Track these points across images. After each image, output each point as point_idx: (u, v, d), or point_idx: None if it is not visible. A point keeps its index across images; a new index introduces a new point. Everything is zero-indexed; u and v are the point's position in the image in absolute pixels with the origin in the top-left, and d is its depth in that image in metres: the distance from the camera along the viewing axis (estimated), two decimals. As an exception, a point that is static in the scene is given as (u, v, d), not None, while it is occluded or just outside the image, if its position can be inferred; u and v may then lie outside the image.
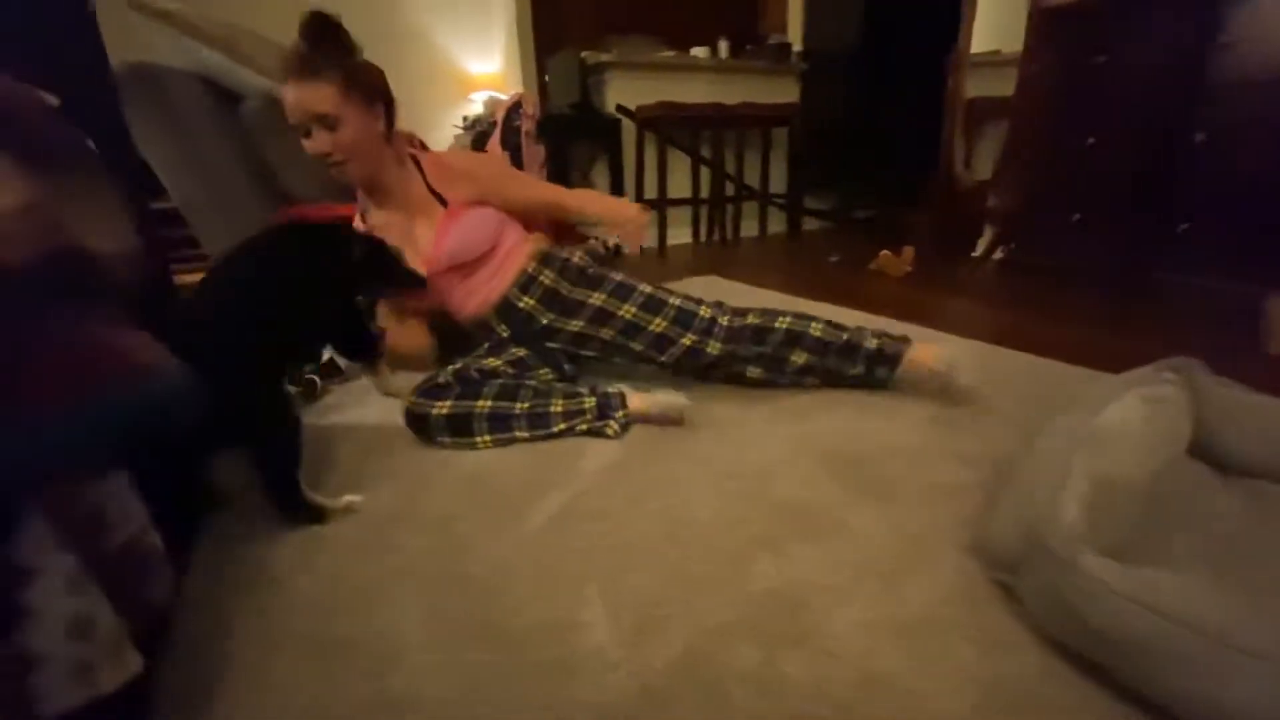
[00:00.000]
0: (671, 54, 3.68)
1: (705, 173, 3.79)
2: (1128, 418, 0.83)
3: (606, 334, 1.34)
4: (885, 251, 2.74)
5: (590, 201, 1.55)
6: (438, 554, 0.89)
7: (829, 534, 0.90)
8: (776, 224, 4.18)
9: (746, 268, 3.01)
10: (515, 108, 3.26)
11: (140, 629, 0.53)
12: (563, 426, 1.21)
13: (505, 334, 1.39)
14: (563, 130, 3.45)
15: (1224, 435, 0.93)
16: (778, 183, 4.06)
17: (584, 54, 3.53)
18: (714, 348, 1.31)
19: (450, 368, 1.26)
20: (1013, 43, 2.75)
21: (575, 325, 1.35)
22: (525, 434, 1.20)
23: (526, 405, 1.21)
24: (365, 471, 1.14)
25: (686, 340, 1.31)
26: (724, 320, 1.32)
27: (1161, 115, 2.21)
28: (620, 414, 1.22)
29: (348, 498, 1.01)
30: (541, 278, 1.38)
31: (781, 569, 0.83)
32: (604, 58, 3.51)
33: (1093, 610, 0.62)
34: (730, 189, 3.90)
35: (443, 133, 3.99)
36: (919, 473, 1.06)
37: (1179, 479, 0.85)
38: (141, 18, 1.60)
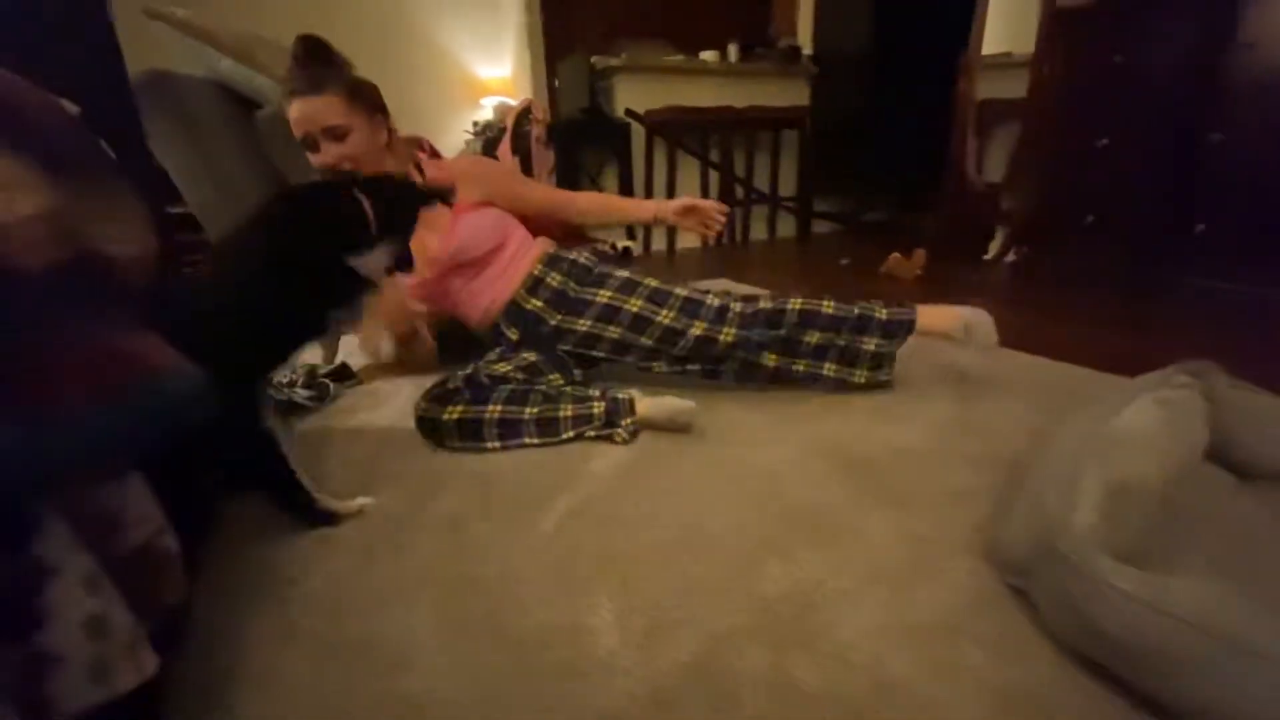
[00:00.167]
0: (680, 58, 3.69)
1: (715, 176, 3.79)
2: (1143, 421, 0.83)
3: (614, 332, 1.34)
4: (896, 254, 2.72)
5: (640, 209, 1.57)
6: (448, 556, 0.90)
7: (839, 538, 0.90)
8: (786, 227, 4.17)
9: (756, 271, 3.01)
10: (525, 113, 3.28)
11: (155, 629, 0.53)
12: (571, 434, 1.22)
13: (515, 337, 1.39)
14: (572, 135, 3.47)
15: (1241, 439, 0.92)
16: (787, 186, 4.05)
17: (593, 59, 3.55)
18: (728, 334, 1.30)
19: (461, 372, 1.27)
20: (1024, 45, 2.73)
21: (584, 324, 1.36)
22: (535, 440, 1.21)
23: (536, 410, 1.21)
24: (377, 472, 1.14)
25: (697, 329, 1.30)
26: (736, 307, 1.32)
27: (1177, 116, 2.19)
28: (628, 420, 1.22)
29: (360, 500, 1.02)
30: (549, 279, 1.38)
31: (792, 573, 0.83)
32: (613, 62, 3.52)
33: (1107, 616, 0.61)
34: (740, 192, 3.90)
35: (453, 138, 4.02)
36: (930, 476, 1.05)
37: (1195, 483, 0.84)
38: (159, 26, 1.63)
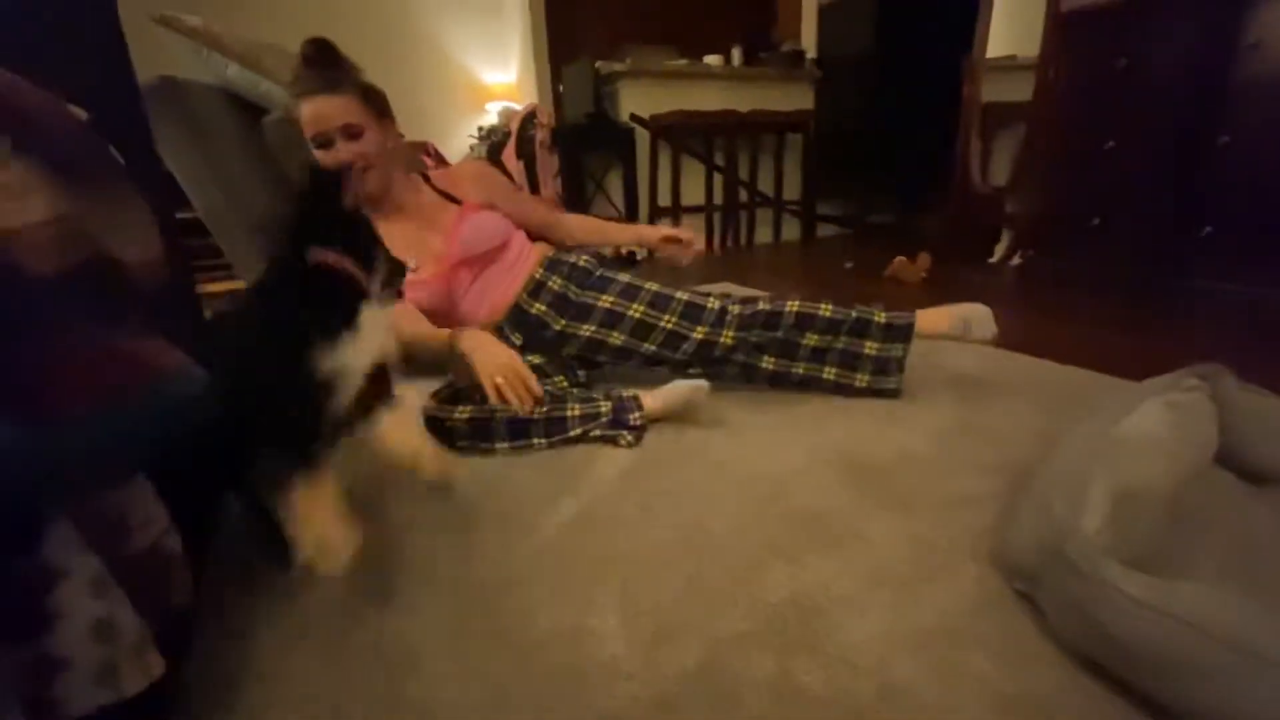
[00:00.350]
0: (684, 62, 3.70)
1: (719, 180, 3.79)
2: (1152, 425, 0.82)
3: (617, 339, 1.35)
4: (900, 258, 2.72)
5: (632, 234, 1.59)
6: (453, 559, 0.90)
7: (846, 543, 0.90)
8: (791, 231, 4.17)
9: (761, 275, 3.01)
10: (530, 118, 3.30)
11: (162, 632, 0.54)
12: (579, 431, 1.22)
13: (519, 342, 1.40)
14: (577, 140, 3.48)
15: (1251, 443, 0.91)
16: (792, 189, 4.06)
17: (598, 64, 3.56)
18: (728, 337, 1.31)
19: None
20: (1029, 48, 2.73)
21: (587, 330, 1.36)
22: (543, 440, 1.21)
23: (543, 410, 1.21)
24: (383, 476, 1.15)
25: (698, 333, 1.31)
26: (735, 309, 1.33)
27: (1184, 118, 2.18)
28: (636, 416, 1.22)
29: (344, 552, 0.76)
30: (550, 282, 1.39)
31: (796, 577, 0.83)
32: (618, 67, 3.54)
33: (1115, 621, 0.61)
34: (744, 196, 3.91)
35: (458, 143, 4.04)
36: (937, 481, 1.05)
37: (1205, 488, 0.83)
38: (168, 34, 1.65)
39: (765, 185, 3.97)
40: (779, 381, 1.39)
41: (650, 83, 3.62)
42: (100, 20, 1.13)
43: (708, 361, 1.37)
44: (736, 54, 3.86)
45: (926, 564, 0.84)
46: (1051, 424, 1.19)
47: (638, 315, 1.34)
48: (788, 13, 4.27)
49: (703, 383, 1.23)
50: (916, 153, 3.75)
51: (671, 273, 2.96)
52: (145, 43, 1.37)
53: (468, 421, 1.19)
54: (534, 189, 3.29)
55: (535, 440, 1.21)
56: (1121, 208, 2.39)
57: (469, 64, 4.08)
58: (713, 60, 3.80)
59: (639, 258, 1.43)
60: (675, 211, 3.58)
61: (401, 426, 0.85)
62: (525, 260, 1.42)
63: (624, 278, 1.40)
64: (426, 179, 1.40)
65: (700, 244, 1.57)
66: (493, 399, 1.15)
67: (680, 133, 3.49)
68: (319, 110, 1.18)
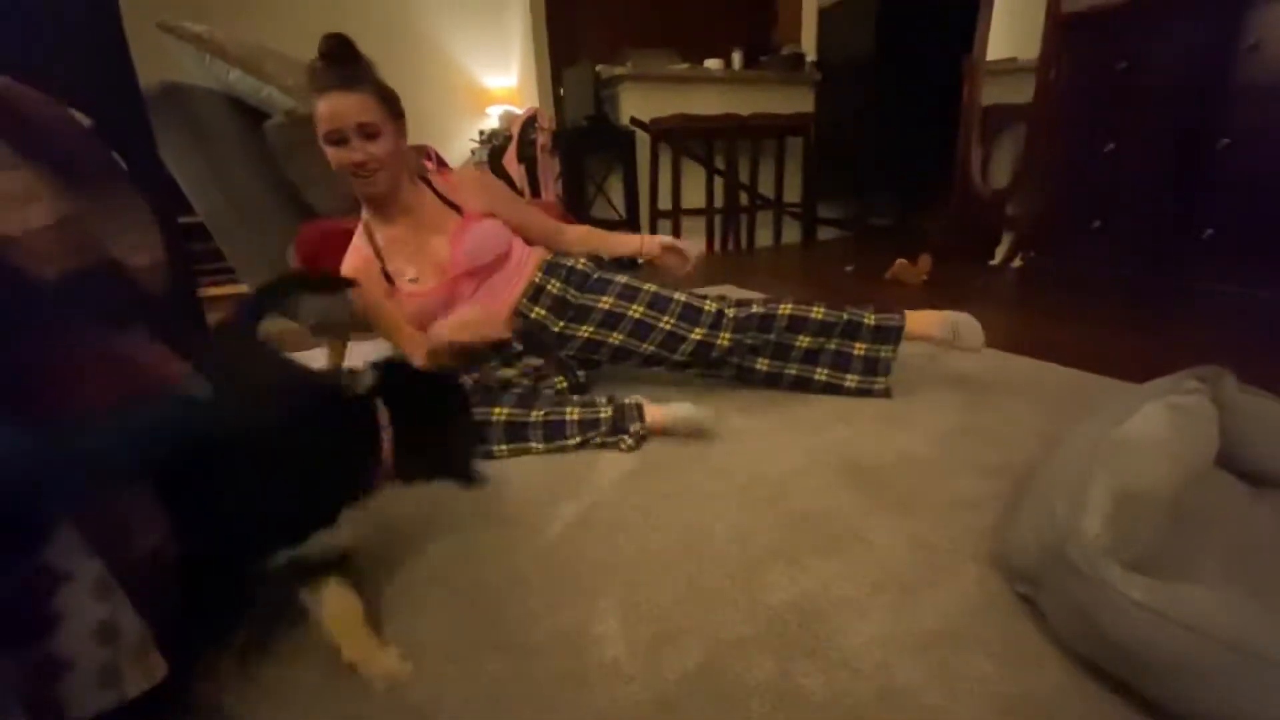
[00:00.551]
0: (685, 66, 3.71)
1: (720, 183, 3.80)
2: (1153, 427, 0.82)
3: (616, 338, 1.35)
4: (901, 260, 2.72)
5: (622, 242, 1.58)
6: (454, 563, 0.90)
7: (847, 546, 0.90)
8: (791, 233, 4.17)
9: (762, 277, 3.01)
10: (531, 121, 3.31)
11: (163, 635, 0.54)
12: (578, 439, 1.22)
13: (520, 346, 1.40)
14: (578, 143, 3.49)
15: (1253, 445, 0.91)
16: (792, 192, 4.06)
17: (598, 67, 3.57)
18: (724, 339, 1.33)
19: (468, 377, 1.28)
20: (1029, 50, 2.73)
21: (586, 331, 1.37)
22: (540, 445, 1.21)
23: (542, 414, 1.22)
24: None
25: (696, 334, 1.33)
26: (730, 312, 1.34)
27: (1184, 119, 2.18)
28: (636, 426, 1.22)
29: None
30: (549, 286, 1.39)
31: (798, 581, 0.83)
32: (618, 71, 3.55)
33: (1116, 623, 0.61)
34: (745, 199, 3.91)
35: (459, 146, 4.06)
36: (938, 484, 1.05)
37: (1206, 490, 0.83)
38: (171, 40, 1.66)
39: (766, 188, 3.98)
40: (773, 382, 1.41)
41: (651, 86, 3.63)
42: (103, 27, 1.14)
43: (705, 362, 1.38)
44: (737, 57, 3.87)
45: (927, 566, 0.84)
46: (1052, 425, 1.19)
47: (637, 316, 1.34)
48: (788, 16, 4.28)
49: (708, 413, 1.24)
50: (917, 155, 3.75)
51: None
52: (148, 49, 1.38)
53: None
54: (535, 192, 3.30)
55: (533, 444, 1.21)
56: (1122, 209, 2.39)
57: (470, 68, 4.09)
58: (713, 64, 3.80)
59: (639, 261, 1.43)
60: (676, 214, 3.58)
61: (346, 616, 0.75)
62: (525, 266, 1.42)
63: (622, 279, 1.41)
64: (428, 183, 1.40)
65: (700, 249, 1.57)
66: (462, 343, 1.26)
67: (681, 136, 3.50)
68: (336, 107, 1.17)
